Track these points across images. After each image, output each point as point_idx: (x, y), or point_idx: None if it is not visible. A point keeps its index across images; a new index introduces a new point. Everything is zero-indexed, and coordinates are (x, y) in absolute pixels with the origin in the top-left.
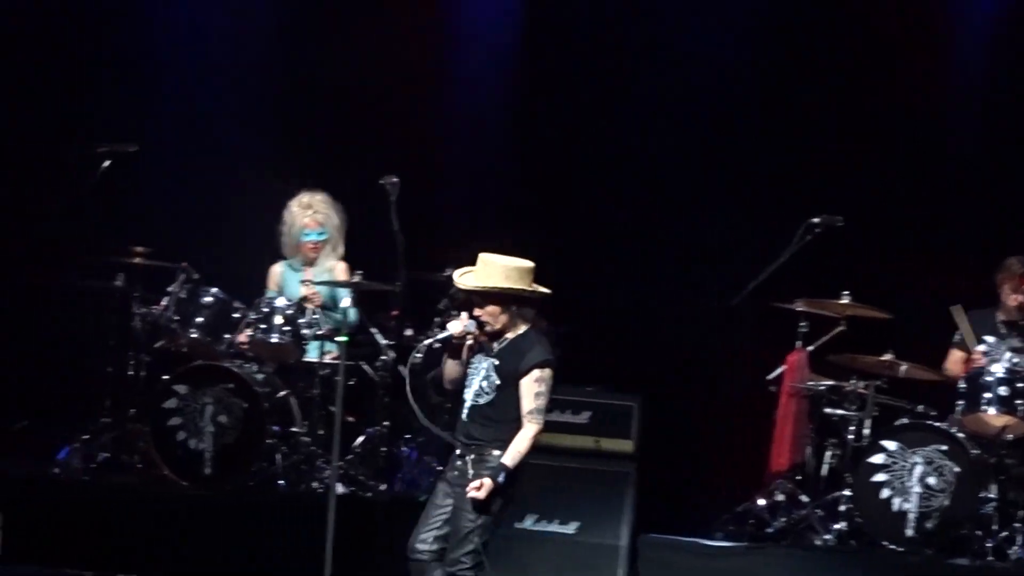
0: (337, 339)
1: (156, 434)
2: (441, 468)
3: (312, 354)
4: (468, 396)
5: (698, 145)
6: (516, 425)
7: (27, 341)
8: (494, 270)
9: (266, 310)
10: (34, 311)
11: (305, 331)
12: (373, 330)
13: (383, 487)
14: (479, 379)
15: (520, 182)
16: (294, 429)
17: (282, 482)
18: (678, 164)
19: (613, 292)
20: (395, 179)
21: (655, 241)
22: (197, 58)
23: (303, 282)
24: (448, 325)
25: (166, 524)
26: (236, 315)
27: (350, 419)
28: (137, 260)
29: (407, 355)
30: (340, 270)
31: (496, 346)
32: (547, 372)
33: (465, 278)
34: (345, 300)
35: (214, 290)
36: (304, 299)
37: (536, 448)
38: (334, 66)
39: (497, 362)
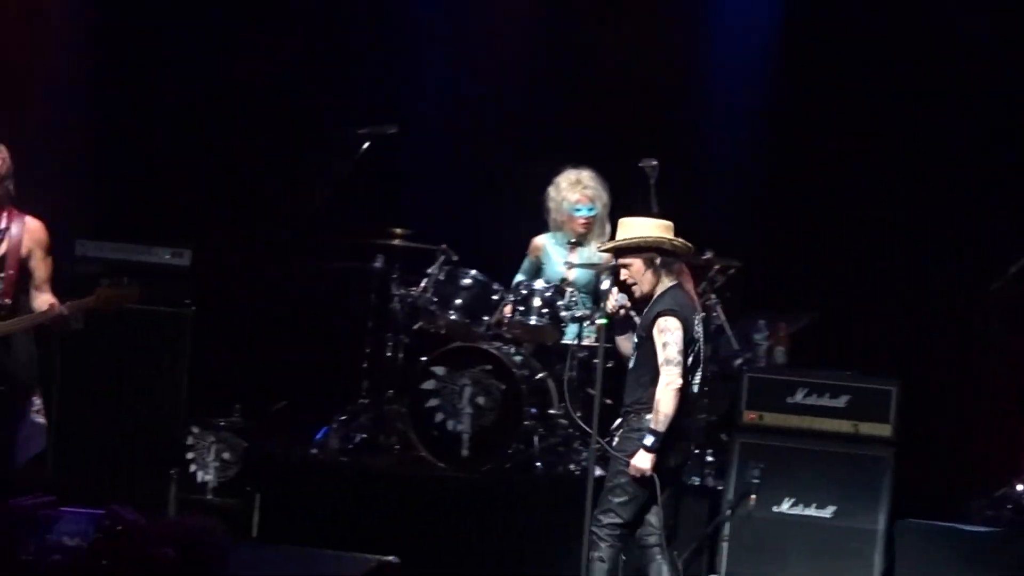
0: (596, 322)
1: (414, 415)
2: (699, 451)
3: (570, 336)
4: (631, 362)
5: (959, 129)
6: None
7: (288, 323)
8: (632, 227)
9: (525, 292)
10: (295, 293)
11: (563, 313)
12: (632, 313)
13: None
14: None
15: (773, 169)
16: (551, 411)
17: (539, 464)
18: (935, 148)
19: (874, 277)
20: (654, 162)
21: (917, 224)
22: (458, 40)
23: (567, 264)
24: (603, 305)
25: (423, 506)
26: (495, 297)
27: (608, 401)
28: (397, 242)
29: None
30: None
31: (645, 307)
32: (670, 321)
33: (606, 244)
34: (604, 283)
35: (473, 272)
36: (564, 281)
37: (780, 431)
38: (593, 51)
39: (640, 320)
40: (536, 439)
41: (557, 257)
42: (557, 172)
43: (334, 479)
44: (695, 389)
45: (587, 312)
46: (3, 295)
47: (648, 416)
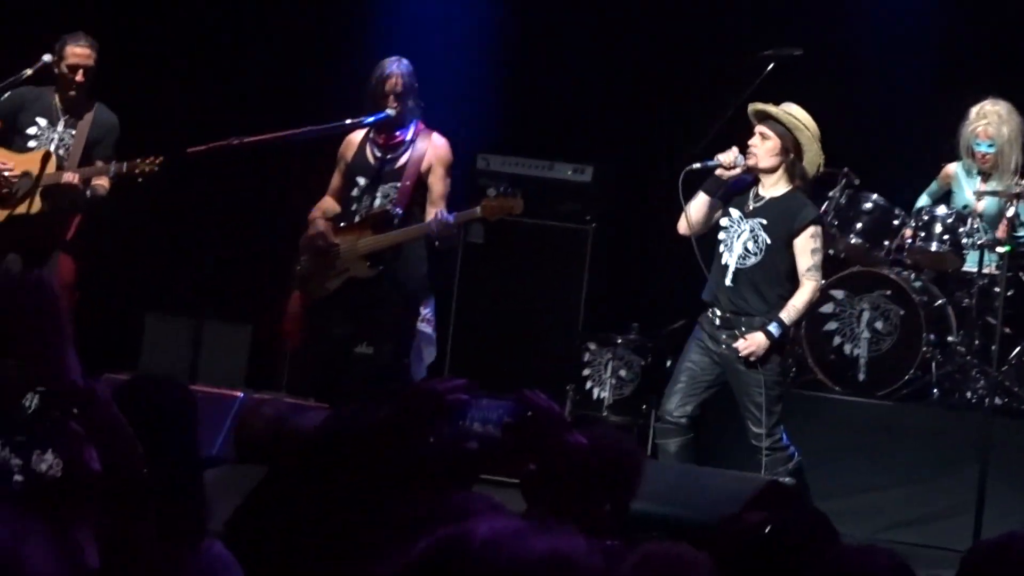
0: (999, 249)
1: (810, 339)
2: None
3: (971, 263)
4: (730, 260)
5: None
6: (786, 289)
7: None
8: (797, 113)
9: (926, 218)
10: None
11: (965, 240)
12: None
13: None
14: (742, 240)
15: None
16: (950, 339)
17: (935, 391)
18: None
19: None
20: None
21: None
22: None
23: (976, 192)
24: (718, 156)
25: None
26: (896, 222)
27: (1007, 330)
28: None
29: None
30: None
31: (752, 203)
32: (820, 229)
33: (763, 105)
34: (1010, 210)
35: (874, 196)
36: (970, 210)
37: None
38: None
39: (765, 221)
40: (934, 366)
41: (967, 186)
42: (976, 101)
43: None
44: None
45: (989, 240)
46: (396, 204)
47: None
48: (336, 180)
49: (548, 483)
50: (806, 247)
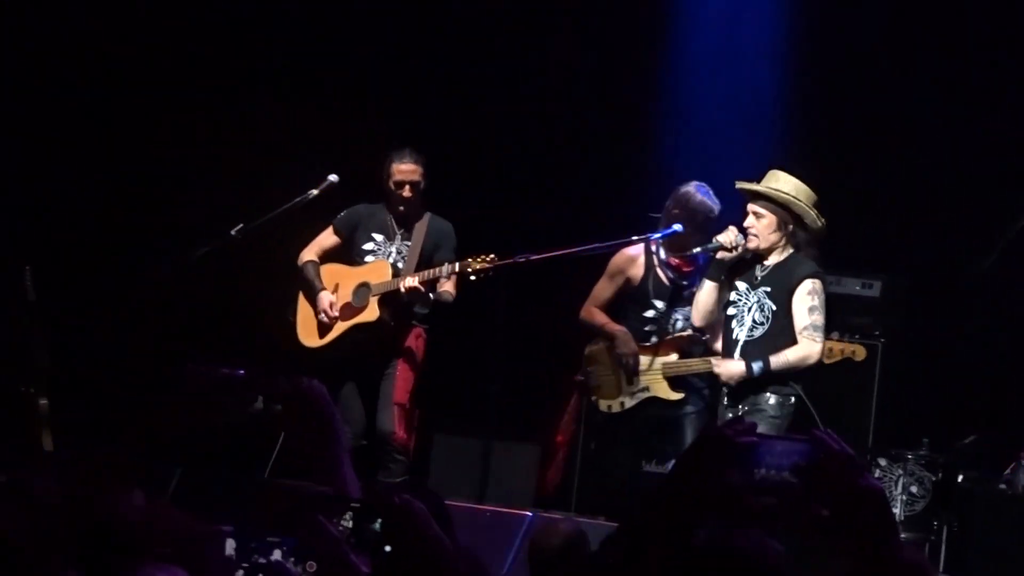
0: None
1: None
2: None
3: None
4: (740, 333)
5: None
6: None
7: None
8: (784, 181)
9: None
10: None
11: None
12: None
13: None
14: (750, 313)
15: None
16: None
17: None
18: None
19: None
20: None
21: None
22: None
23: None
24: (717, 237)
25: None
26: None
27: None
28: None
29: None
30: None
31: (760, 274)
32: (819, 284)
33: (749, 184)
34: None
35: None
36: None
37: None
38: None
39: (769, 288)
40: None
41: None
42: None
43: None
44: None
45: None
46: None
47: (773, 400)
48: (607, 292)
49: (840, 528)
50: (803, 304)
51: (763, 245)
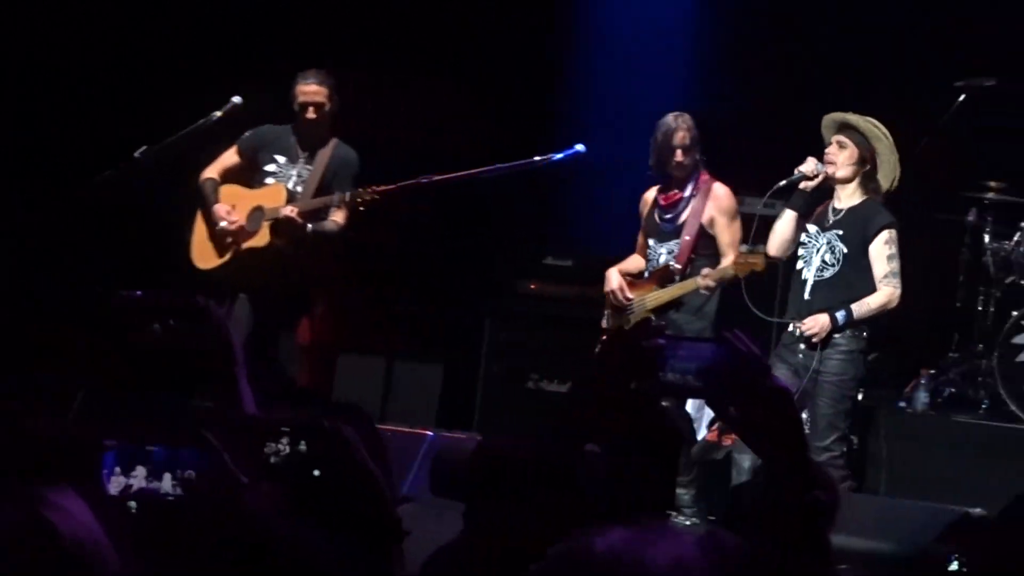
0: None
1: (1003, 371)
2: None
3: None
4: (808, 274)
5: None
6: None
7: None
8: (879, 127)
9: None
10: None
11: None
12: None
13: None
14: (819, 253)
15: None
16: None
17: None
18: None
19: None
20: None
21: None
22: None
23: None
24: (798, 168)
25: (1009, 461)
26: None
27: None
28: (991, 195)
29: None
30: None
31: (831, 217)
32: (895, 234)
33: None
34: None
35: None
36: None
37: None
38: None
39: (841, 231)
40: None
41: None
42: None
43: (921, 432)
44: None
45: None
46: (676, 259)
47: (848, 333)
48: (641, 237)
49: (747, 428)
50: (881, 253)
51: (839, 173)
